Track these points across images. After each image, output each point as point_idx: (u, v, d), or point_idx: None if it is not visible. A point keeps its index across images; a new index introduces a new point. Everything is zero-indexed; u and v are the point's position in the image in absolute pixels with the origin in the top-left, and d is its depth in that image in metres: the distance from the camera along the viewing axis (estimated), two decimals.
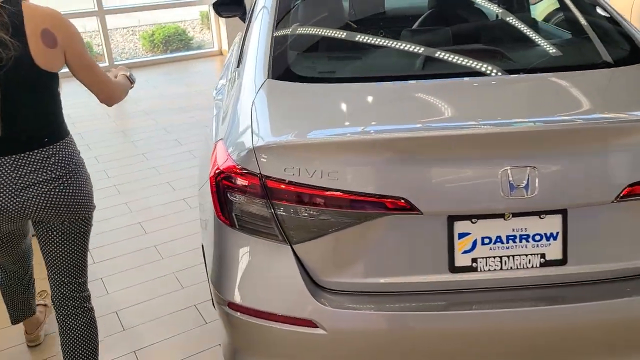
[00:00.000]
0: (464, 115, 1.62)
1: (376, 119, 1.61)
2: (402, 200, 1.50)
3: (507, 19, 2.28)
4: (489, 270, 1.58)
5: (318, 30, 2.12)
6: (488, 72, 1.82)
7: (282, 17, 2.14)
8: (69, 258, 1.93)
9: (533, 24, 2.29)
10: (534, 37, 2.10)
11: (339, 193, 1.51)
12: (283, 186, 1.55)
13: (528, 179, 1.48)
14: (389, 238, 1.56)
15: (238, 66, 2.41)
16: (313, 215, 1.55)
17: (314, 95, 1.77)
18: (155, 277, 2.94)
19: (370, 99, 1.75)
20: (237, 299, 1.67)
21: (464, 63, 1.86)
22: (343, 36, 2.06)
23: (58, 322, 2.00)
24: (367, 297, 1.61)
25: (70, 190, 1.85)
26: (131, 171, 4.22)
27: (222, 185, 1.66)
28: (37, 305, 2.57)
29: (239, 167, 1.61)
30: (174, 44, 8.19)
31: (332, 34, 2.09)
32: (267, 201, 1.58)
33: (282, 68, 1.91)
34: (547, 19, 2.41)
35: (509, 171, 1.48)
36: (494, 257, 1.58)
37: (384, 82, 1.79)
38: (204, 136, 2.39)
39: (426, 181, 1.50)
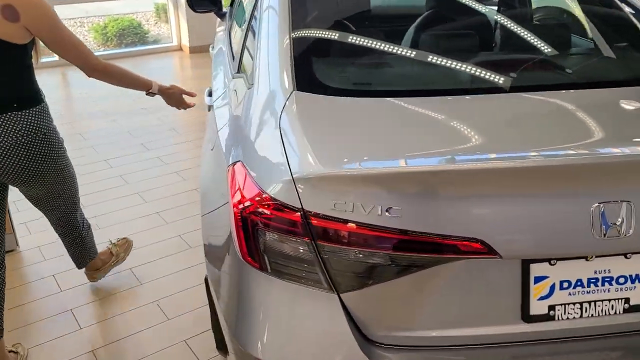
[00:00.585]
0: (546, 140, 1.37)
1: (442, 144, 1.35)
2: (478, 243, 1.26)
3: (548, 23, 2.07)
4: (568, 318, 1.37)
5: (343, 33, 1.84)
6: (552, 85, 1.60)
7: (298, 17, 1.85)
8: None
9: (580, 29, 2.10)
10: (587, 45, 1.90)
11: (402, 234, 1.26)
12: (332, 225, 1.29)
13: (623, 216, 1.27)
14: (454, 285, 1.31)
15: (238, 71, 2.12)
16: (368, 260, 1.29)
17: (356, 112, 1.49)
18: (133, 308, 2.59)
19: (426, 117, 1.49)
20: (268, 355, 1.39)
21: (522, 75, 1.63)
22: (373, 41, 1.79)
23: None
24: (428, 352, 1.37)
25: (26, 161, 2.06)
26: (94, 180, 3.82)
27: (250, 221, 1.38)
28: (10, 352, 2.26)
29: (274, 200, 1.33)
30: (128, 37, 7.69)
31: (360, 38, 1.82)
32: (310, 242, 1.31)
33: (309, 78, 1.63)
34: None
35: (601, 207, 1.26)
36: (574, 304, 1.37)
37: (435, 97, 1.54)
38: (204, 150, 2.08)
39: (506, 220, 1.26)
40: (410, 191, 1.25)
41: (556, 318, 1.36)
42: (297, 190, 1.30)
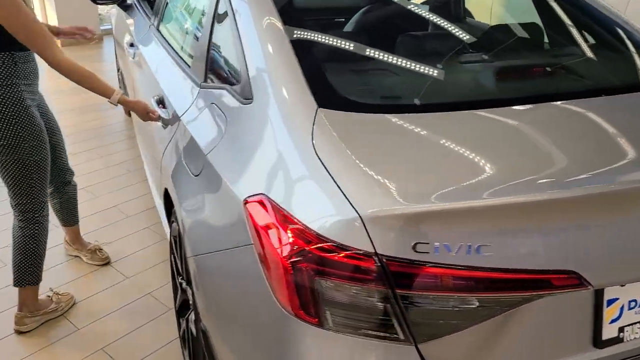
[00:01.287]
0: (628, 157, 1.29)
1: (527, 167, 1.22)
2: (572, 275, 1.16)
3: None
4: (635, 338, 1.33)
5: (350, 36, 1.63)
6: (610, 90, 1.52)
7: (288, 14, 1.61)
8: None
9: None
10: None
11: (494, 273, 1.12)
12: (414, 270, 1.11)
13: None
14: (535, 322, 1.21)
15: (209, 81, 1.83)
16: (455, 305, 1.14)
17: (406, 133, 1.31)
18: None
19: (493, 135, 1.34)
20: None
21: (572, 79, 1.54)
22: (387, 45, 1.60)
23: None
24: None
25: None
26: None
27: (306, 270, 1.16)
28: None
29: (338, 245, 1.12)
30: None
31: (370, 42, 1.62)
32: (387, 290, 1.12)
33: (328, 91, 1.42)
34: None
35: None
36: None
37: (489, 109, 1.39)
38: (177, 175, 1.77)
39: (596, 248, 1.17)
40: (502, 225, 1.12)
41: (624, 339, 1.31)
42: (367, 232, 1.11)
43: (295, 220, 1.19)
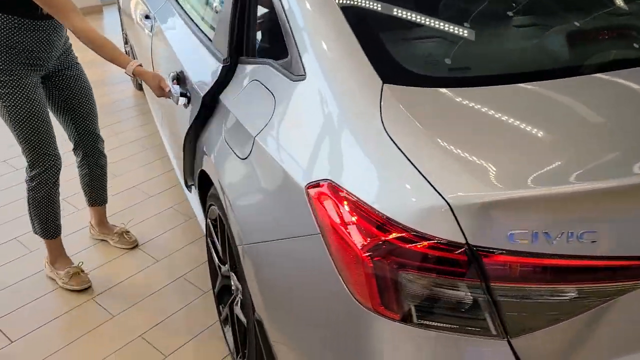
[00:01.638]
0: None
1: (627, 147, 1.11)
2: None
3: None
4: None
5: None
6: None
7: None
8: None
9: None
10: None
11: (598, 261, 1.03)
12: (510, 260, 1.02)
13: None
14: (635, 312, 1.12)
15: (241, 54, 1.71)
16: (553, 296, 1.05)
17: (485, 109, 1.20)
18: None
19: (580, 109, 1.23)
20: None
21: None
22: (451, 8, 1.47)
23: None
24: None
25: None
26: None
27: (389, 264, 1.07)
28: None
29: (425, 236, 1.03)
30: None
31: (432, 5, 1.48)
32: (480, 283, 1.04)
33: (391, 64, 1.30)
34: None
35: None
36: None
37: (574, 79, 1.26)
38: (220, 158, 1.66)
39: None
40: (607, 210, 1.02)
41: None
42: (456, 220, 1.01)
43: (371, 209, 1.10)
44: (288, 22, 1.48)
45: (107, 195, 2.67)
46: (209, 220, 2.02)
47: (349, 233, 1.12)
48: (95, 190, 2.60)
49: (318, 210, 1.20)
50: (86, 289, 2.41)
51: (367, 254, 1.08)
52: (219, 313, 2.11)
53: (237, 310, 1.81)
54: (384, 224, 1.07)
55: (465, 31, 1.40)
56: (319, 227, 1.20)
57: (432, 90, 1.25)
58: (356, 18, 1.39)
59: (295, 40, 1.44)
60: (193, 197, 2.38)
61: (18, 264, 2.58)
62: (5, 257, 2.61)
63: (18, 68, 2.10)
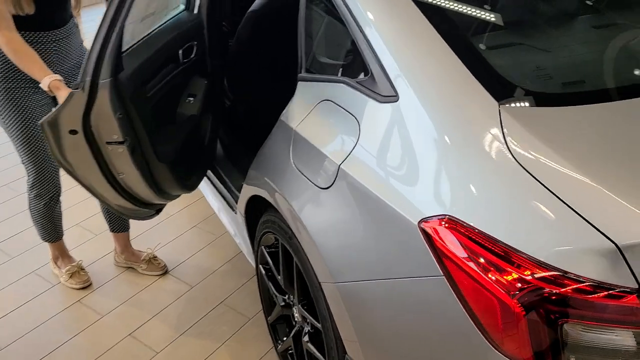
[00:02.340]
0: None
1: None
2: None
3: None
4: None
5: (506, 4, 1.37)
6: None
7: None
8: None
9: None
10: None
11: None
12: None
13: None
14: None
15: (303, 71, 1.57)
16: None
17: (618, 130, 1.09)
18: None
19: None
20: None
21: None
22: (556, 16, 1.34)
23: None
24: None
25: None
26: None
27: (546, 314, 0.96)
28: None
29: (586, 281, 0.92)
30: None
31: (534, 13, 1.35)
32: None
33: (504, 82, 1.18)
34: None
35: None
36: None
37: None
38: (300, 188, 1.51)
39: None
40: None
41: None
42: (627, 264, 0.91)
43: (514, 250, 0.98)
44: (365, 37, 1.35)
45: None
46: (262, 247, 1.88)
47: (488, 277, 1.01)
48: (116, 216, 2.43)
49: (441, 250, 1.08)
50: (86, 288, 2.45)
51: (518, 301, 0.97)
52: (275, 343, 1.99)
53: (309, 346, 1.69)
54: (536, 267, 0.96)
55: (574, 40, 1.29)
56: (441, 268, 1.08)
57: (555, 110, 1.14)
58: (448, 29, 1.27)
59: (378, 58, 1.31)
60: (232, 219, 2.24)
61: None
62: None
63: (20, 86, 2.02)
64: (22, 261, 2.61)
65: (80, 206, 2.94)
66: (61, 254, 2.49)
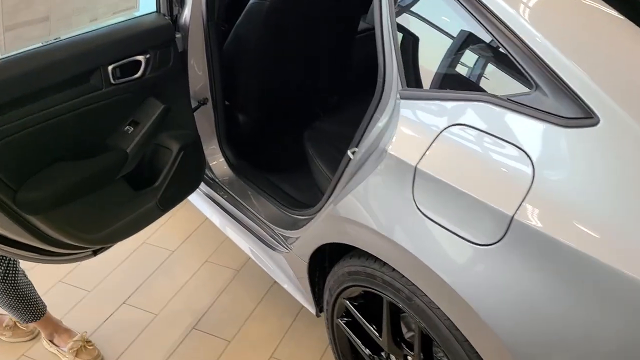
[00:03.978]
0: None
1: None
2: None
3: None
4: None
5: None
6: None
7: None
8: None
9: None
10: None
11: None
12: None
13: None
14: None
15: (411, 84, 1.21)
16: None
17: None
18: None
19: None
20: None
21: None
22: None
23: None
24: None
25: None
26: None
27: None
28: None
29: None
30: None
31: None
32: None
33: None
34: None
35: None
36: None
37: None
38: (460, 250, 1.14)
39: None
40: None
41: None
42: None
43: None
44: (518, 37, 1.01)
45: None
46: (345, 300, 1.54)
47: None
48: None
49: None
50: None
51: None
52: None
53: None
54: None
55: None
56: None
57: None
58: None
59: (547, 65, 0.98)
60: (270, 256, 1.88)
61: None
62: None
63: None
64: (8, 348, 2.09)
65: None
66: (55, 329, 2.02)
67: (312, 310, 1.81)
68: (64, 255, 1.77)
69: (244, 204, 2.05)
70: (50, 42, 1.50)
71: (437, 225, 1.13)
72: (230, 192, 2.11)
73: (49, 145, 1.55)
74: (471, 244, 1.07)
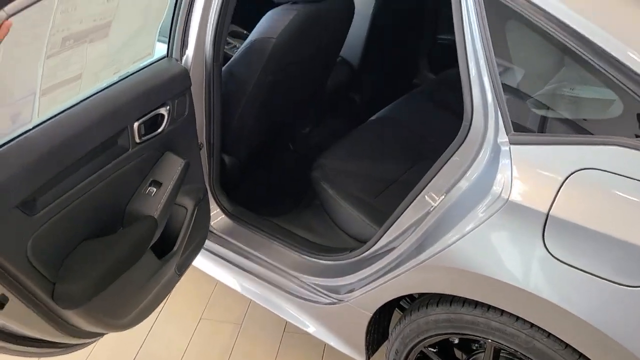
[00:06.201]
0: None
1: None
2: None
3: None
4: None
5: None
6: None
7: None
8: None
9: None
10: None
11: None
12: None
13: None
14: None
15: (526, 128, 1.20)
16: None
17: None
18: None
19: None
20: None
21: None
22: None
23: None
24: None
25: None
26: None
27: None
28: None
29: None
30: None
31: None
32: None
33: None
34: None
35: None
36: None
37: None
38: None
39: None
40: None
41: None
42: None
43: None
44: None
45: None
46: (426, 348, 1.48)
47: None
48: None
49: None
50: None
51: None
52: None
53: None
54: None
55: None
56: None
57: None
58: None
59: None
60: (305, 310, 1.77)
61: None
62: None
63: None
64: None
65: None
66: None
67: (356, 356, 1.74)
68: (72, 346, 1.53)
69: (256, 253, 1.90)
70: (78, 101, 1.28)
71: (574, 269, 1.13)
72: (237, 243, 1.94)
73: (80, 223, 1.32)
74: (618, 285, 1.08)
